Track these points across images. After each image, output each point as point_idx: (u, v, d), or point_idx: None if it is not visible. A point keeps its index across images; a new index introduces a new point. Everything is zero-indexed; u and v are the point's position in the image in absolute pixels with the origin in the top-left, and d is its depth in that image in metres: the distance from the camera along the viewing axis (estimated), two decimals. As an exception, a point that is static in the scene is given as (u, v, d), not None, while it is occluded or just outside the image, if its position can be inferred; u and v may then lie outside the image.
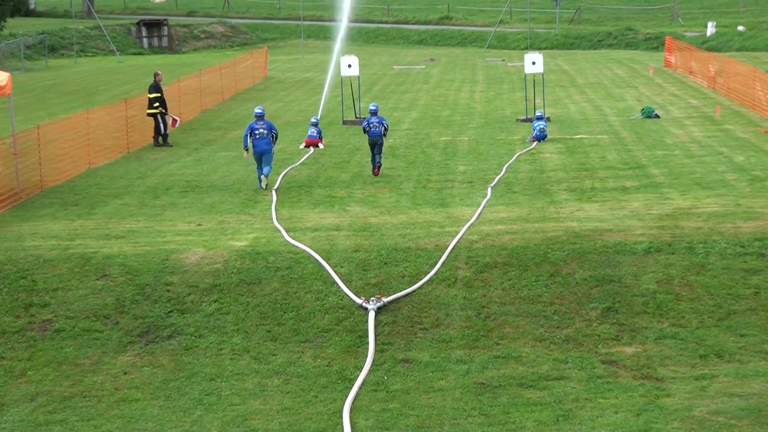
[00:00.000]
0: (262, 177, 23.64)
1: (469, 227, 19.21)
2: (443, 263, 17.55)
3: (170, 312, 16.70)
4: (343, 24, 43.65)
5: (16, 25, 69.72)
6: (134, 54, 69.25)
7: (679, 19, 72.48)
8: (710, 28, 63.45)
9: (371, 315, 16.12)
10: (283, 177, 24.95)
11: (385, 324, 16.11)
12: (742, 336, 15.55)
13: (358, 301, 16.53)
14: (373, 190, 23.27)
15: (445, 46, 70.91)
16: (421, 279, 17.14)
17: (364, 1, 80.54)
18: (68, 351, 15.83)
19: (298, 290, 17.05)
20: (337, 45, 40.62)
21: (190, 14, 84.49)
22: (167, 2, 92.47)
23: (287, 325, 16.24)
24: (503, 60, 58.59)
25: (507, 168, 25.28)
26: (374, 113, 25.05)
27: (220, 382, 14.81)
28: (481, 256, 17.77)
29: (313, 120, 30.55)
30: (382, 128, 24.75)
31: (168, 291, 17.18)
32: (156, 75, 31.21)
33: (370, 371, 14.84)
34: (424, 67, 55.67)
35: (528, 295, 16.70)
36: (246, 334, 16.08)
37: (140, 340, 16.10)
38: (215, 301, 16.91)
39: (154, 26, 73.90)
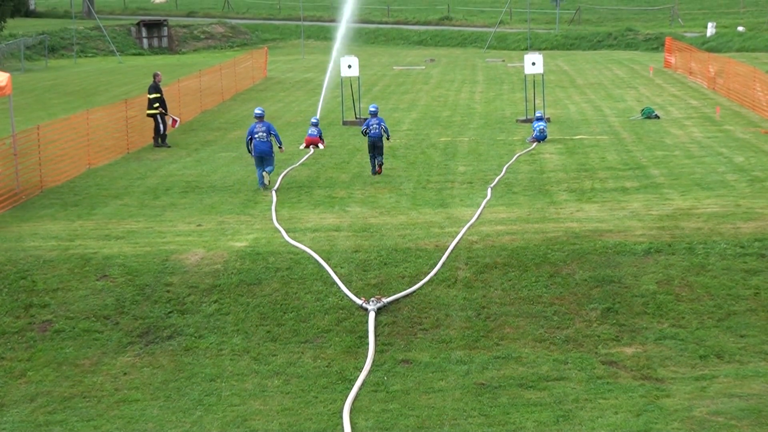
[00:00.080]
0: (264, 174, 23.65)
1: (469, 228, 19.21)
2: (443, 264, 17.55)
3: (170, 312, 16.70)
4: (342, 26, 43.62)
5: (16, 25, 69.74)
6: (134, 54, 69.27)
7: (679, 19, 72.49)
8: (710, 29, 63.46)
9: (371, 315, 16.12)
10: (283, 177, 24.95)
11: (385, 324, 16.11)
12: (742, 336, 15.55)
13: (358, 301, 16.53)
14: (373, 191, 23.27)
15: (445, 47, 70.93)
16: (421, 279, 17.14)
17: (364, 1, 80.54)
18: (68, 351, 15.83)
19: (298, 291, 17.05)
20: (336, 45, 40.60)
21: (190, 15, 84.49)
22: (167, 3, 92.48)
23: (287, 326, 16.24)
24: (503, 60, 58.60)
25: (507, 169, 25.28)
26: (374, 114, 25.09)
27: (220, 382, 14.81)
28: (481, 256, 17.76)
29: (313, 120, 30.60)
30: (381, 130, 24.78)
31: (168, 291, 17.18)
32: (155, 76, 31.21)
33: (370, 372, 14.84)
34: (424, 67, 55.67)
35: (528, 296, 16.70)
36: (246, 335, 16.08)
37: (140, 341, 16.10)
38: (215, 301, 16.91)
39: (154, 27, 73.91)
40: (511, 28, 73.17)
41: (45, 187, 24.32)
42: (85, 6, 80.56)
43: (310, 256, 17.93)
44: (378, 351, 15.45)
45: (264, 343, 15.88)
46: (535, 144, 29.04)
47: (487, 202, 21.46)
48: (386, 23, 79.92)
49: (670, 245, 17.86)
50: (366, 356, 15.24)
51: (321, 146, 29.72)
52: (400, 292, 16.82)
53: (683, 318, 16.04)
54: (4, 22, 63.46)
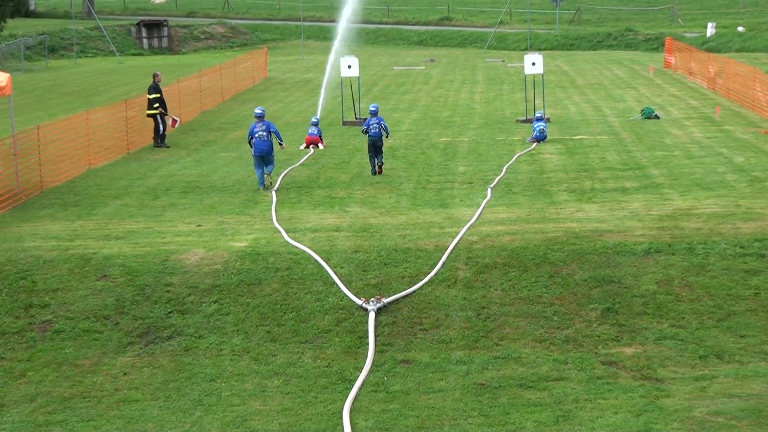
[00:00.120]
0: (265, 176, 23.71)
1: (468, 228, 19.21)
2: (443, 264, 17.55)
3: (170, 313, 16.70)
4: (340, 26, 43.59)
5: (16, 25, 69.73)
6: (134, 55, 69.28)
7: (679, 20, 72.50)
8: (710, 29, 63.46)
9: (371, 316, 16.12)
10: (283, 178, 24.95)
11: (385, 325, 16.11)
12: (741, 337, 15.55)
13: (358, 301, 16.53)
14: (372, 191, 23.27)
15: (445, 47, 70.93)
16: (421, 279, 17.14)
17: (364, 2, 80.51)
18: (68, 352, 15.83)
19: (298, 291, 17.05)
20: (335, 47, 40.58)
21: (190, 15, 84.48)
22: (167, 3, 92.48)
23: (287, 326, 16.24)
24: (503, 61, 58.60)
25: (507, 169, 25.28)
26: (374, 114, 25.18)
27: (220, 382, 14.82)
28: (481, 256, 17.77)
29: (313, 120, 30.65)
30: (381, 129, 24.84)
31: (168, 292, 17.19)
32: (155, 76, 31.20)
33: (370, 372, 14.84)
34: (424, 67, 55.67)
35: (528, 296, 16.70)
36: (246, 335, 16.08)
37: (140, 341, 16.10)
38: (215, 301, 16.92)
39: (154, 27, 73.92)
40: (511, 29, 73.18)
41: (45, 188, 24.32)
42: (85, 6, 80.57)
43: (310, 257, 17.93)
44: (378, 351, 15.46)
45: (264, 343, 15.88)
46: (535, 144, 29.05)
47: (486, 203, 21.46)
48: (386, 23, 79.91)
49: (670, 245, 17.86)
50: (366, 356, 15.24)
51: (321, 146, 29.73)
52: (400, 292, 16.82)
53: (683, 318, 16.04)
54: (4, 22, 63.46)
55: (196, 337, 16.09)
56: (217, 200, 22.78)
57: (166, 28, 73.75)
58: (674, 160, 26.04)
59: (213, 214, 21.29)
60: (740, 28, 64.15)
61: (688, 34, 63.87)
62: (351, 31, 44.33)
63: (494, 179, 23.98)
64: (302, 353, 15.57)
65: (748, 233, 18.31)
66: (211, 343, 15.93)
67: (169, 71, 48.08)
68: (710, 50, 53.73)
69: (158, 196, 23.36)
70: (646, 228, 18.84)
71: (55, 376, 15.20)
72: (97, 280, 17.56)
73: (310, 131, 30.09)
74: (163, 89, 31.41)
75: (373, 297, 16.65)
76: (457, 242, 18.29)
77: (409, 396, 14.08)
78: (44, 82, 51.12)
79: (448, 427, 13.10)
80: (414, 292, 16.83)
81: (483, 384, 14.38)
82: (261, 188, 23.70)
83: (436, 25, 78.20)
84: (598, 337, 15.70)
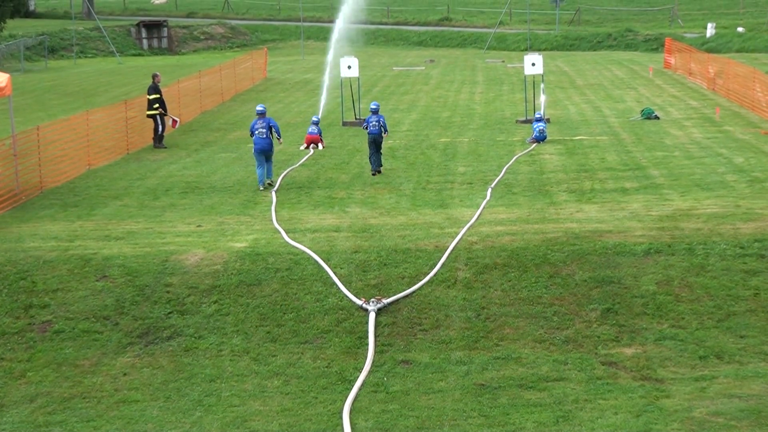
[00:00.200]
0: (265, 181, 23.85)
1: (468, 228, 19.21)
2: (443, 264, 17.55)
3: (170, 313, 16.70)
4: (337, 26, 43.56)
5: (15, 26, 69.71)
6: (134, 55, 69.26)
7: (679, 20, 72.50)
8: (710, 30, 63.47)
9: (371, 316, 16.11)
10: (283, 178, 24.96)
11: (385, 325, 16.11)
12: (741, 337, 15.55)
13: (358, 302, 16.53)
14: (372, 192, 23.27)
15: (444, 48, 70.92)
16: (421, 280, 17.14)
17: (363, 2, 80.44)
18: (68, 352, 15.83)
19: (298, 291, 17.05)
20: (332, 48, 40.54)
21: (189, 15, 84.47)
22: (167, 3, 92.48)
23: (287, 327, 16.25)
24: (503, 61, 58.60)
25: (506, 170, 25.26)
26: (375, 112, 25.40)
27: (220, 383, 14.82)
28: (481, 257, 17.77)
29: (314, 119, 30.70)
30: (380, 127, 25.03)
31: (168, 292, 17.19)
32: (155, 76, 31.19)
33: (370, 372, 14.84)
34: (423, 68, 55.67)
35: (528, 297, 16.70)
36: (246, 336, 16.08)
37: (140, 342, 16.10)
38: (215, 302, 16.92)
39: (153, 27, 73.91)
40: (510, 29, 73.18)
41: (45, 188, 24.32)
42: (85, 7, 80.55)
43: (310, 257, 17.93)
44: (378, 351, 15.46)
45: (264, 343, 15.88)
46: (534, 145, 29.05)
47: (486, 203, 21.45)
48: (386, 24, 79.89)
49: (669, 246, 17.86)
50: (366, 357, 15.23)
51: (320, 146, 29.74)
52: (400, 292, 16.81)
53: (683, 318, 16.05)
54: (4, 22, 63.44)
55: (195, 338, 16.10)
56: (216, 201, 22.78)
57: (165, 29, 73.74)
58: (674, 161, 26.04)
59: (213, 215, 21.29)
60: (740, 29, 64.15)
61: (687, 35, 63.88)
62: (352, 32, 44.27)
63: (494, 180, 23.97)
64: (302, 354, 15.57)
65: (748, 234, 18.32)
66: (210, 344, 15.93)
67: (168, 72, 48.09)
68: (710, 51, 53.74)
69: (158, 197, 23.36)
70: (646, 228, 18.84)
71: (55, 376, 15.20)
72: (97, 280, 17.56)
73: (310, 130, 30.14)
74: (162, 90, 31.40)
75: (374, 297, 16.65)
76: (457, 243, 18.29)
77: (408, 396, 14.09)
78: (44, 82, 51.12)
79: (448, 427, 13.10)
80: (415, 292, 16.84)
81: (483, 384, 14.38)
82: (260, 187, 23.76)
83: (436, 25, 78.19)
84: (598, 337, 15.71)
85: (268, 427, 13.31)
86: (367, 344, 15.57)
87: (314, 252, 18.08)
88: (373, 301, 16.48)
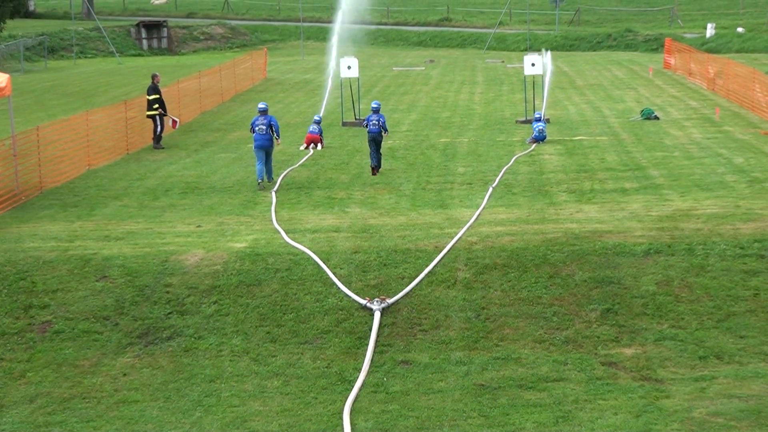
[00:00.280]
0: (265, 177, 23.92)
1: (468, 228, 19.20)
2: (443, 264, 17.55)
3: (170, 313, 16.70)
4: (337, 26, 43.55)
5: (15, 26, 69.69)
6: (134, 55, 69.25)
7: (679, 20, 72.51)
8: (709, 30, 63.47)
9: (377, 315, 16.10)
10: (282, 178, 24.96)
11: (385, 325, 16.11)
12: (741, 337, 15.55)
13: (362, 302, 16.51)
14: (372, 192, 23.27)
15: (444, 48, 70.92)
16: (422, 279, 17.12)
17: (363, 2, 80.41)
18: (68, 352, 15.83)
19: (298, 292, 17.05)
20: (334, 49, 40.52)
21: (189, 16, 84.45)
22: (167, 4, 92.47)
23: (287, 327, 16.24)
24: (503, 61, 58.61)
25: (505, 171, 25.25)
26: (375, 111, 25.55)
27: (220, 383, 14.81)
28: (481, 257, 17.77)
29: (316, 118, 30.77)
30: (380, 126, 25.13)
31: (167, 292, 17.19)
32: (154, 77, 31.18)
33: (371, 372, 14.84)
34: (423, 68, 55.68)
35: (527, 297, 16.70)
36: (245, 336, 16.08)
37: (140, 342, 16.10)
38: (215, 302, 16.91)
39: (153, 28, 73.89)
40: (510, 29, 73.17)
41: (44, 188, 24.32)
42: (85, 7, 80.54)
43: (310, 257, 17.92)
44: (378, 352, 15.45)
45: (263, 344, 15.88)
46: (534, 145, 29.04)
47: (486, 204, 21.45)
48: (386, 24, 79.88)
49: (669, 246, 17.86)
50: (366, 357, 15.22)
51: (320, 147, 29.74)
52: (400, 293, 16.80)
53: (683, 319, 16.05)
54: (4, 23, 63.43)
55: (195, 338, 16.10)
56: (216, 201, 22.78)
57: (165, 29, 73.73)
58: (674, 161, 26.05)
59: (213, 215, 21.29)
60: (740, 29, 64.15)
61: (687, 35, 63.88)
62: (355, 31, 44.27)
63: (494, 180, 23.97)
64: (302, 354, 15.57)
65: (748, 234, 18.32)
66: (210, 344, 15.93)
67: (168, 72, 48.08)
68: (710, 51, 53.73)
69: (158, 197, 23.36)
70: (646, 229, 18.84)
71: (55, 376, 15.20)
72: (97, 280, 17.56)
73: (311, 128, 30.18)
74: (162, 90, 31.40)
75: (377, 297, 16.64)
76: (457, 240, 18.30)
77: (408, 397, 14.09)
78: (44, 82, 51.12)
79: (448, 427, 13.10)
80: (415, 292, 16.81)
81: (483, 385, 14.38)
82: (259, 179, 23.82)
83: (436, 25, 78.18)
84: (598, 337, 15.71)
85: (268, 427, 13.31)
86: (367, 344, 15.55)
87: (314, 252, 18.08)
88: (377, 301, 16.47)
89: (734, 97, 37.74)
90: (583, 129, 32.42)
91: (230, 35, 76.23)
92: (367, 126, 25.47)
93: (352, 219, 20.51)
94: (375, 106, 25.94)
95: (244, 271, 17.63)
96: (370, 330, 15.91)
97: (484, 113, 37.14)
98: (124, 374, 15.22)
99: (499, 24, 72.59)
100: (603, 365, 14.93)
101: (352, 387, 14.28)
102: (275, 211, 21.33)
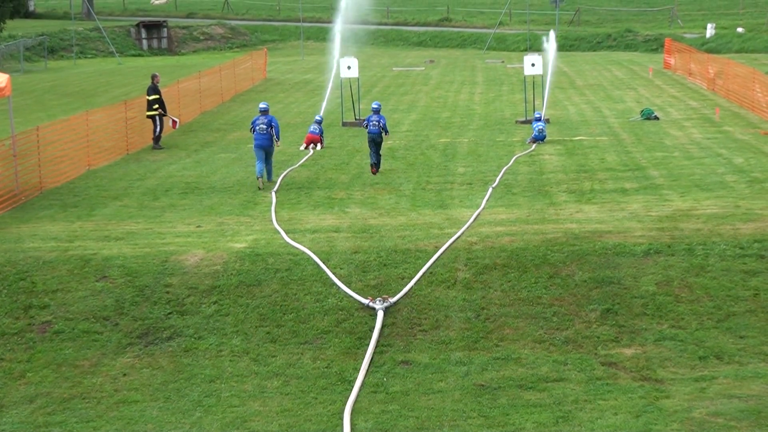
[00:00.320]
0: (265, 175, 23.99)
1: (467, 228, 19.20)
2: (443, 264, 17.55)
3: (170, 314, 16.70)
4: (336, 26, 43.55)
5: (15, 26, 69.70)
6: (133, 56, 69.25)
7: (679, 20, 72.51)
8: (709, 30, 63.48)
9: (380, 315, 16.09)
10: (282, 178, 24.96)
11: (385, 326, 16.10)
12: (741, 338, 15.55)
13: (365, 301, 16.51)
14: (372, 192, 23.27)
15: (444, 48, 70.93)
16: (422, 280, 17.11)
17: (364, 3, 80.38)
18: (67, 353, 15.83)
19: (298, 292, 17.05)
20: (337, 48, 40.52)
21: (189, 16, 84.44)
22: (167, 4, 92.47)
23: (287, 327, 16.24)
24: (503, 62, 58.61)
25: (505, 171, 25.24)
26: (376, 111, 25.56)
27: (220, 383, 14.81)
28: (481, 257, 17.77)
29: (317, 118, 30.78)
30: (380, 127, 25.14)
31: (167, 293, 17.18)
32: (154, 77, 31.18)
33: (371, 372, 14.84)
34: (423, 68, 55.68)
35: (527, 297, 16.70)
36: (245, 336, 16.08)
37: (139, 342, 16.10)
38: (215, 302, 16.91)
39: (153, 28, 73.88)
40: (510, 30, 73.18)
41: (44, 188, 24.32)
42: (85, 7, 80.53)
43: (310, 257, 17.92)
44: (377, 352, 15.45)
45: (263, 344, 15.88)
46: (534, 145, 29.05)
47: (486, 204, 21.45)
48: (386, 24, 79.87)
49: (669, 246, 17.86)
50: (366, 357, 15.22)
51: (319, 147, 29.73)
52: (399, 293, 16.80)
53: (683, 319, 16.04)
54: (4, 23, 63.43)
55: (195, 338, 16.10)
56: (216, 201, 22.78)
57: (165, 29, 73.72)
58: (674, 161, 26.05)
59: (212, 215, 21.29)
60: (740, 29, 64.16)
61: (687, 35, 63.88)
62: (357, 31, 44.27)
63: (494, 180, 23.97)
64: (302, 354, 15.57)
65: (748, 234, 18.32)
66: (210, 344, 15.93)
67: (168, 72, 48.08)
68: (710, 51, 53.74)
69: (158, 197, 23.36)
70: (646, 229, 18.84)
71: (55, 377, 15.20)
72: (97, 281, 17.56)
73: (311, 128, 30.18)
74: (162, 90, 31.41)
75: (379, 297, 16.64)
76: (456, 240, 18.30)
77: (408, 397, 14.08)
78: (44, 83, 51.12)
79: (448, 428, 13.10)
80: (416, 289, 16.81)
81: (483, 385, 14.38)
82: (258, 176, 23.84)
83: (436, 26, 78.17)
84: (598, 338, 15.71)
85: (268, 427, 13.31)
86: (368, 344, 15.55)
87: (314, 252, 18.08)
88: (379, 300, 16.47)
89: (734, 98, 37.74)
90: (583, 129, 32.42)
91: (230, 35, 76.23)
92: (367, 126, 25.47)
93: (352, 219, 20.51)
94: (375, 106, 25.92)
95: (244, 271, 17.63)
96: (370, 330, 15.91)
97: (484, 113, 37.14)
98: (124, 374, 15.22)
99: (499, 24, 72.60)
100: (603, 365, 14.93)
101: (352, 387, 14.28)
102: (275, 212, 21.33)
